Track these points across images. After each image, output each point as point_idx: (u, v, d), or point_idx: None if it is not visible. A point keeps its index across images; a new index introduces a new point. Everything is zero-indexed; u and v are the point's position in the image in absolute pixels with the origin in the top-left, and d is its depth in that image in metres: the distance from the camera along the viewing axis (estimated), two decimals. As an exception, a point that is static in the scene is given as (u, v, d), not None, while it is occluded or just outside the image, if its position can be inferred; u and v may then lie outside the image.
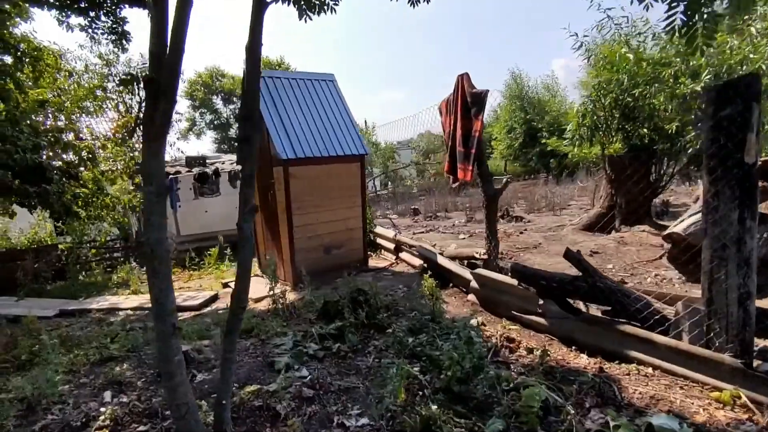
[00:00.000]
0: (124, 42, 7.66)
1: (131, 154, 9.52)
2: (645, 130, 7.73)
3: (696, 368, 3.07)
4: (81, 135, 9.72)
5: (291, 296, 5.59)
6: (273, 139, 5.71)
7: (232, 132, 37.96)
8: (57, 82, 9.50)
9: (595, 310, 4.33)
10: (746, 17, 5.58)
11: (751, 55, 5.57)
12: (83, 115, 11.11)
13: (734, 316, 2.86)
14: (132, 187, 9.33)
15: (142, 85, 1.95)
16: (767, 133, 4.86)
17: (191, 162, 10.34)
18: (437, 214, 13.01)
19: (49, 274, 7.91)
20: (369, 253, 7.14)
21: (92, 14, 7.40)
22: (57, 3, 6.60)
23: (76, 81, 10.80)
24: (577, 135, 7.87)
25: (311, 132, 6.08)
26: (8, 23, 7.89)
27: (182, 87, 27.32)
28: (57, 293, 7.21)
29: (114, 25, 7.43)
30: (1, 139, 7.03)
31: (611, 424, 2.64)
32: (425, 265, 6.04)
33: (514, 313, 4.37)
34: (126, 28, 7.50)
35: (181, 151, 10.60)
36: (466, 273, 4.96)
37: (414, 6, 3.89)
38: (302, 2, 3.37)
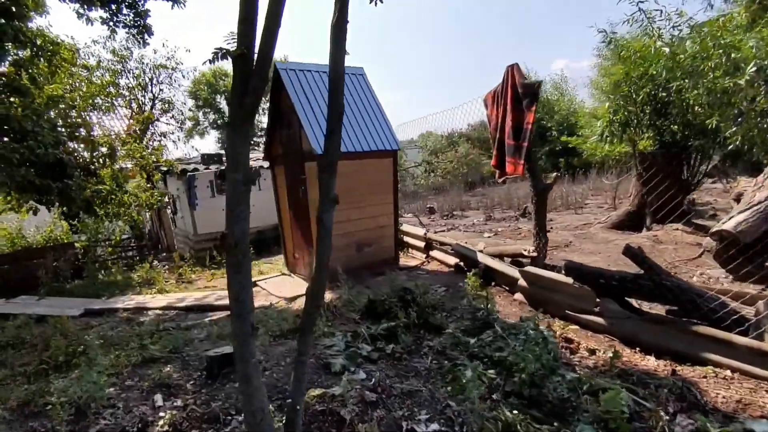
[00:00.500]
0: (145, 36, 7.50)
1: (143, 152, 9.34)
2: (676, 126, 7.58)
3: (785, 370, 2.91)
4: (93, 131, 9.56)
5: (327, 296, 5.42)
6: (306, 133, 5.54)
7: (236, 131, 37.70)
8: (73, 77, 9.34)
9: (652, 309, 4.18)
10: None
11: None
12: (95, 111, 10.95)
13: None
14: (149, 185, 9.15)
15: (230, 60, 1.79)
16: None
17: (207, 159, 10.17)
18: (453, 213, 12.84)
19: (68, 273, 7.74)
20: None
21: (114, 6, 7.24)
22: (82, -7, 6.43)
23: (87, 77, 10.64)
24: (607, 132, 7.71)
25: (344, 126, 5.91)
26: (26, 14, 7.72)
27: (186, 85, 27.03)
28: (78, 292, 7.04)
29: (136, 18, 7.27)
30: (22, 134, 6.86)
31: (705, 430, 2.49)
32: (461, 263, 5.88)
33: (568, 312, 4.21)
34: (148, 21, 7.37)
35: (196, 149, 10.41)
36: (512, 271, 4.80)
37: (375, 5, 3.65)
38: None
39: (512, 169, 4.60)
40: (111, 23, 7.18)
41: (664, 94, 7.12)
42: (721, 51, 6.44)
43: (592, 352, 3.76)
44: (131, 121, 10.95)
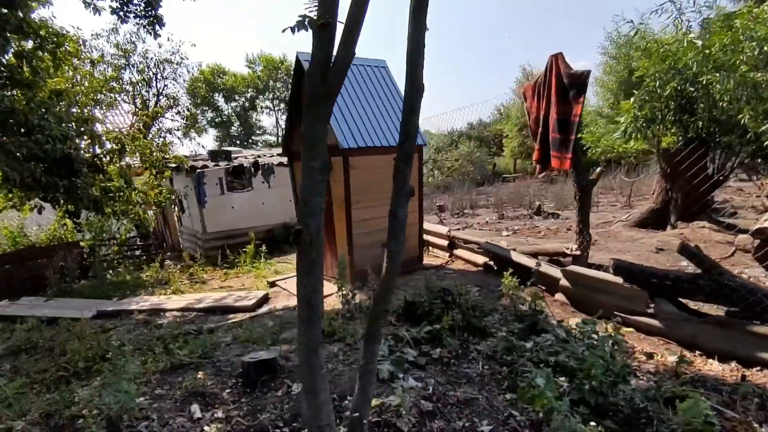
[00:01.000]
0: (157, 27, 7.22)
1: (153, 148, 9.04)
2: (700, 122, 7.40)
3: None
4: (97, 127, 9.26)
5: (357, 296, 5.18)
6: (332, 126, 5.30)
7: (234, 130, 37.41)
8: (77, 71, 9.04)
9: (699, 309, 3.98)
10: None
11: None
12: (97, 107, 10.64)
13: None
14: (156, 182, 8.85)
15: (311, 31, 1.56)
16: None
17: (215, 156, 9.89)
18: (464, 211, 12.64)
19: (76, 273, 7.46)
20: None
21: (126, -6, 6.98)
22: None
23: (89, 71, 10.34)
24: (632, 128, 7.51)
25: (369, 120, 5.69)
26: (29, 4, 7.43)
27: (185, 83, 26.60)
28: (87, 293, 6.76)
29: (147, 8, 7.00)
30: (27, 129, 6.58)
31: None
32: (491, 262, 5.67)
33: (617, 314, 3.99)
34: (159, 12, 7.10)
35: (203, 146, 10.13)
36: (552, 270, 4.58)
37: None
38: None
39: (558, 163, 4.39)
40: (121, 13, 6.90)
41: (692, 89, 6.93)
42: (754, 44, 6.26)
43: (650, 356, 3.56)
44: (135, 117, 10.63)
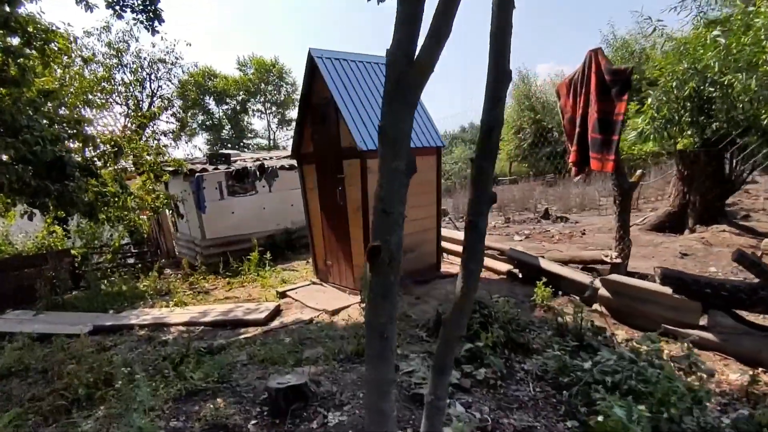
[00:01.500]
0: (156, 23, 6.82)
1: (150, 151, 8.59)
2: (716, 123, 7.24)
3: None
4: (86, 129, 8.80)
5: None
6: (348, 127, 4.98)
7: (225, 133, 36.79)
8: (67, 70, 8.58)
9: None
10: None
11: None
12: (87, 108, 10.17)
13: None
14: (151, 187, 8.39)
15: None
16: None
17: (214, 159, 9.47)
18: (463, 215, 12.34)
19: (67, 284, 7.00)
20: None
21: (123, -13, 6.59)
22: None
23: (79, 71, 9.87)
24: (649, 129, 7.31)
25: (386, 120, 5.37)
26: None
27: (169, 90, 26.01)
28: (81, 305, 6.30)
29: (146, 2, 6.61)
30: (14, 130, 6.13)
31: None
32: (515, 270, 5.38)
33: (665, 326, 3.73)
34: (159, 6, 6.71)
35: (198, 148, 9.70)
36: (587, 279, 4.30)
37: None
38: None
39: (599, 165, 4.12)
40: (117, 7, 6.50)
41: (711, 89, 6.76)
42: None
43: (710, 374, 3.29)
44: (128, 119, 10.16)
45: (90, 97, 9.62)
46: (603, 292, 4.15)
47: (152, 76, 12.75)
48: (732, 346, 3.41)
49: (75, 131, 6.87)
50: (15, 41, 6.95)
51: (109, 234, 9.50)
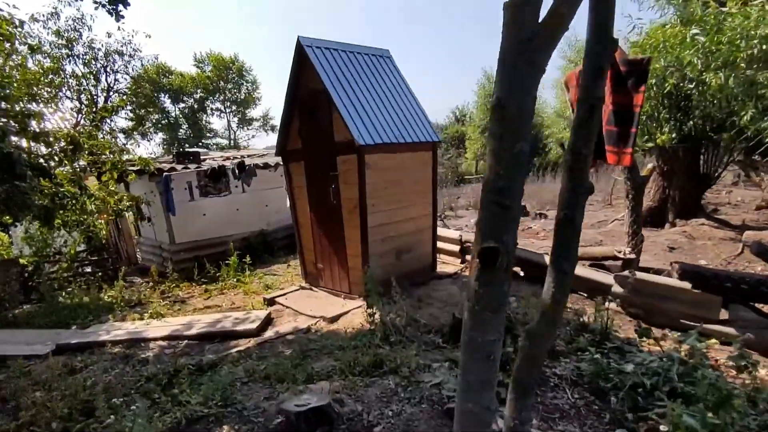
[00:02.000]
0: (120, 6, 6.19)
1: (113, 148, 7.85)
2: (692, 121, 7.46)
3: None
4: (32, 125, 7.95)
5: (380, 312, 4.54)
6: (345, 121, 4.64)
7: (182, 133, 35.00)
8: (9, 58, 7.70)
9: None
10: None
11: None
12: (33, 102, 9.22)
13: None
14: (114, 187, 7.66)
15: None
16: None
17: (182, 158, 8.81)
18: (446, 214, 12.26)
19: (18, 297, 6.23)
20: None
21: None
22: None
23: (22, 60, 8.93)
24: (631, 125, 7.41)
25: (382, 115, 5.08)
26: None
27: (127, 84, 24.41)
28: (38, 321, 5.59)
29: (111, -17, 5.98)
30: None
31: None
32: (517, 268, 5.23)
33: (684, 322, 3.66)
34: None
35: (164, 147, 9.00)
36: (601, 276, 4.20)
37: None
38: None
39: (615, 159, 4.02)
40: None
41: (691, 86, 6.93)
42: (756, 41, 6.27)
43: (740, 369, 3.23)
44: (81, 115, 9.28)
45: (36, 90, 8.70)
46: (617, 288, 4.06)
47: (107, 69, 11.77)
48: (755, 341, 3.37)
49: (24, 126, 6.12)
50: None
51: (62, 240, 8.65)
